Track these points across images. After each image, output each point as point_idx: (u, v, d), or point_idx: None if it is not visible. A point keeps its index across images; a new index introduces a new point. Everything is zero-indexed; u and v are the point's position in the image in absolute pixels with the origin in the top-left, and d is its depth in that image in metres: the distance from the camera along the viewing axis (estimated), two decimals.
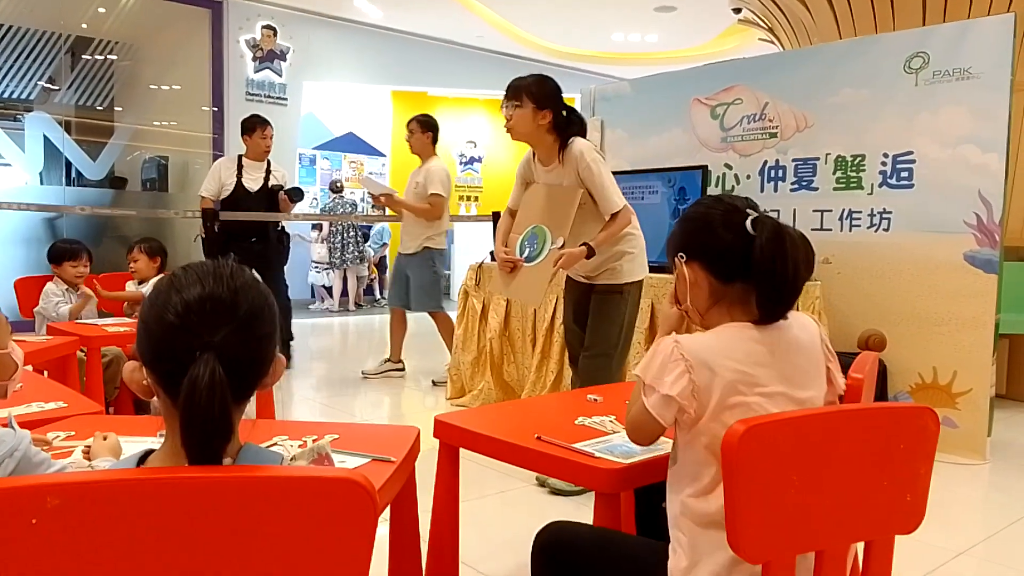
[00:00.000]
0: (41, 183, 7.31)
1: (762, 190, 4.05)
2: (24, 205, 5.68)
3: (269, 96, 8.54)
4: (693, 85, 4.36)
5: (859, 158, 3.72)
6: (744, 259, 1.22)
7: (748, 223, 1.23)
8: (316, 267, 8.84)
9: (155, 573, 0.73)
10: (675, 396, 1.17)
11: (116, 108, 7.92)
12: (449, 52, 9.95)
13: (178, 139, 8.39)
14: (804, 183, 3.91)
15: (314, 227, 8.81)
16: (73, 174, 7.54)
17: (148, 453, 0.91)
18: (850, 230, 3.75)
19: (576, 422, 1.71)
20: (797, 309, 1.35)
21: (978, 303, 3.36)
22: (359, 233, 8.85)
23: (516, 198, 3.03)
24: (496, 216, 4.80)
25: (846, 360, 1.50)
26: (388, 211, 5.17)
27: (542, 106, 2.77)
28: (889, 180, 3.62)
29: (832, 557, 1.10)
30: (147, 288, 3.79)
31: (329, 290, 8.90)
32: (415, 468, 1.51)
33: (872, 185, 3.67)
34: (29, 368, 2.41)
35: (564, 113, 2.81)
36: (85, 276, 3.84)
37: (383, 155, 9.81)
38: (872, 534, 1.14)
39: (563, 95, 2.83)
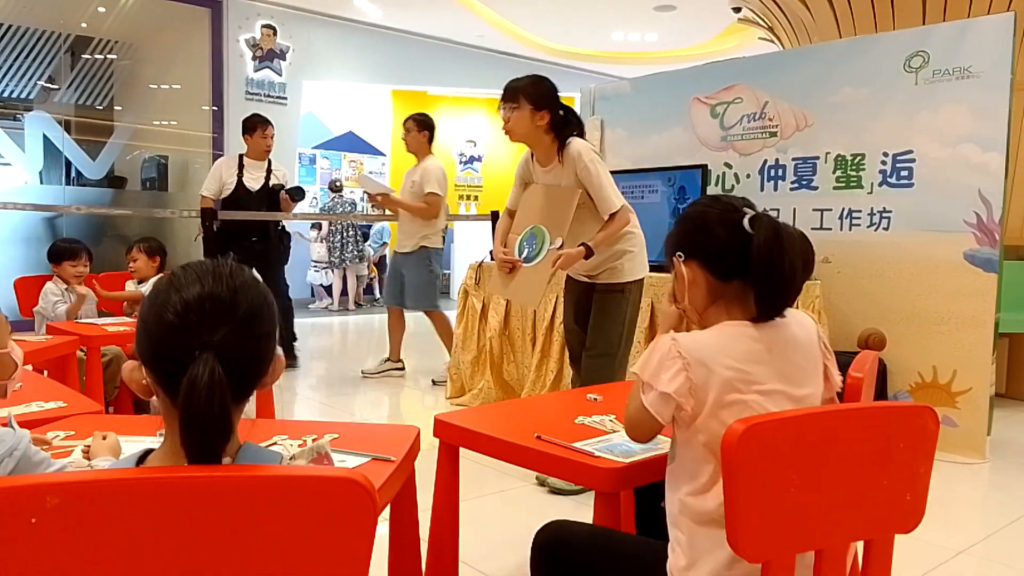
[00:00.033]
0: (41, 182, 7.31)
1: (762, 189, 4.05)
2: (19, 205, 5.67)
3: (269, 95, 8.54)
4: (693, 84, 4.36)
5: (859, 157, 3.72)
6: (742, 257, 1.23)
7: (746, 221, 1.24)
8: (315, 266, 8.84)
9: (155, 572, 0.73)
10: (672, 393, 1.18)
11: (116, 107, 7.92)
12: (449, 51, 9.94)
13: (178, 138, 8.39)
14: (804, 182, 3.91)
15: (313, 226, 8.81)
16: (73, 173, 7.54)
17: (147, 452, 0.91)
18: (850, 229, 3.75)
19: (576, 421, 1.71)
20: (797, 307, 1.35)
21: (978, 302, 3.36)
22: (358, 232, 8.85)
23: (515, 199, 3.03)
24: (495, 215, 4.81)
25: (846, 359, 1.50)
26: (387, 210, 5.17)
27: (539, 107, 2.77)
28: (889, 179, 3.62)
29: (832, 556, 1.10)
30: (146, 288, 3.79)
31: (327, 289, 8.90)
32: (415, 467, 1.51)
33: (872, 184, 3.67)
34: (29, 367, 2.41)
35: (561, 113, 2.81)
36: (84, 276, 3.84)
37: (383, 154, 9.81)
38: (872, 533, 1.14)
39: (560, 95, 2.83)
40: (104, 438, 1.38)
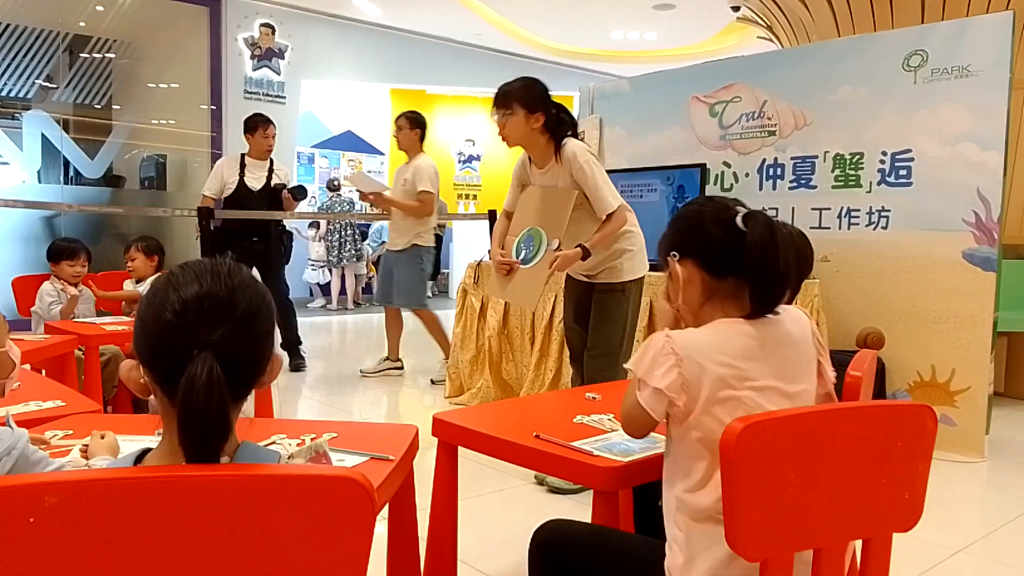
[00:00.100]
0: (39, 181, 7.30)
1: (760, 188, 4.05)
2: (13, 202, 5.65)
3: (268, 94, 8.53)
4: (692, 83, 4.36)
5: (858, 156, 3.72)
6: (736, 254, 1.24)
7: (739, 219, 1.26)
8: (312, 265, 8.84)
9: (153, 572, 0.73)
10: (664, 389, 1.19)
11: (114, 106, 7.90)
12: (448, 50, 9.94)
13: (176, 137, 8.38)
14: (803, 181, 3.91)
15: (311, 225, 8.81)
16: (71, 172, 7.53)
17: (146, 452, 0.91)
18: (849, 228, 3.75)
19: (575, 420, 1.71)
20: (796, 304, 1.35)
21: (976, 301, 3.36)
22: (357, 231, 8.84)
23: (512, 200, 3.03)
24: (492, 215, 4.81)
25: (845, 358, 1.50)
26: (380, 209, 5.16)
27: (533, 110, 2.77)
28: (888, 178, 3.62)
29: (830, 555, 1.10)
30: (144, 287, 3.78)
31: (323, 288, 8.90)
32: (413, 466, 1.51)
33: (871, 183, 3.67)
34: (27, 367, 2.41)
35: (555, 112, 2.81)
36: (82, 275, 3.84)
37: (382, 153, 9.81)
38: (870, 532, 1.14)
39: (559, 93, 2.83)
40: (102, 437, 1.38)
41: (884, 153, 3.63)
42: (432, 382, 4.75)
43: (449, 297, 9.12)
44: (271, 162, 5.06)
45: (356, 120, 9.60)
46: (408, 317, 4.92)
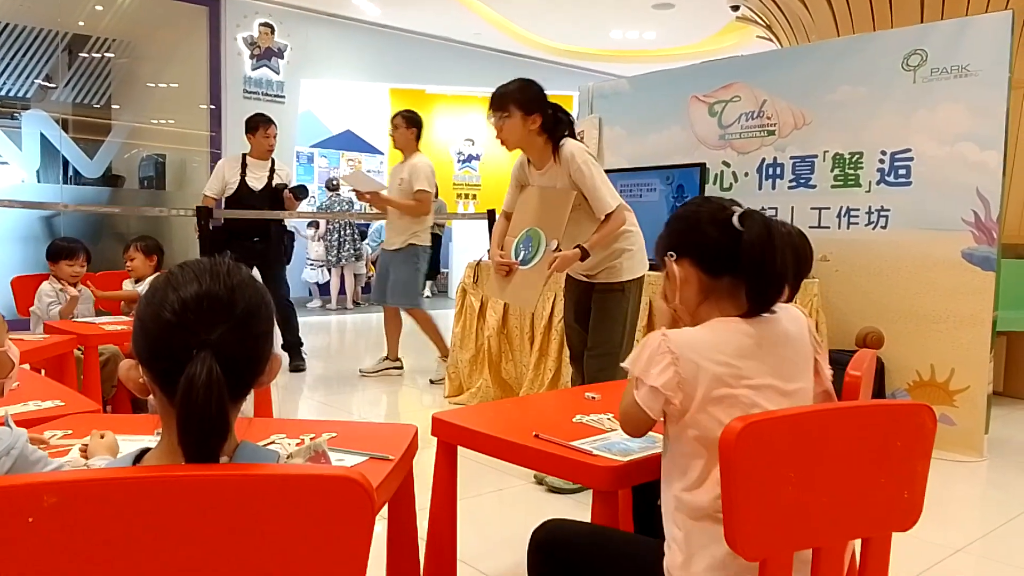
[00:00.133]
0: (38, 181, 7.29)
1: (760, 188, 4.05)
2: (12, 202, 5.64)
3: (267, 94, 8.53)
4: (691, 83, 4.36)
5: (857, 155, 3.72)
6: (733, 253, 1.25)
7: (735, 218, 1.26)
8: (311, 264, 8.83)
9: (152, 571, 0.73)
10: (660, 387, 1.19)
11: (113, 106, 7.89)
12: (447, 50, 9.93)
13: (175, 137, 8.37)
14: (802, 181, 3.92)
15: (311, 224, 8.81)
16: (70, 172, 7.52)
17: (145, 451, 0.91)
18: (848, 228, 3.75)
19: (574, 420, 1.71)
20: (796, 303, 1.35)
21: (976, 300, 3.36)
22: (356, 231, 8.84)
23: (511, 201, 3.03)
24: (492, 214, 4.81)
25: (844, 357, 1.50)
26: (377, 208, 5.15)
27: (530, 111, 2.77)
28: (887, 177, 3.62)
29: (829, 554, 1.10)
30: (143, 287, 3.78)
31: (322, 287, 8.89)
32: (413, 466, 1.51)
33: (870, 182, 3.67)
34: (26, 367, 2.41)
35: (551, 112, 2.81)
36: (81, 275, 3.84)
37: (381, 153, 9.80)
38: (869, 531, 1.14)
39: (559, 93, 2.83)
40: (102, 437, 1.38)
41: (883, 152, 3.63)
42: (431, 382, 4.75)
43: (448, 297, 9.11)
44: (272, 162, 5.06)
45: (355, 120, 9.60)
46: (407, 317, 4.92)
